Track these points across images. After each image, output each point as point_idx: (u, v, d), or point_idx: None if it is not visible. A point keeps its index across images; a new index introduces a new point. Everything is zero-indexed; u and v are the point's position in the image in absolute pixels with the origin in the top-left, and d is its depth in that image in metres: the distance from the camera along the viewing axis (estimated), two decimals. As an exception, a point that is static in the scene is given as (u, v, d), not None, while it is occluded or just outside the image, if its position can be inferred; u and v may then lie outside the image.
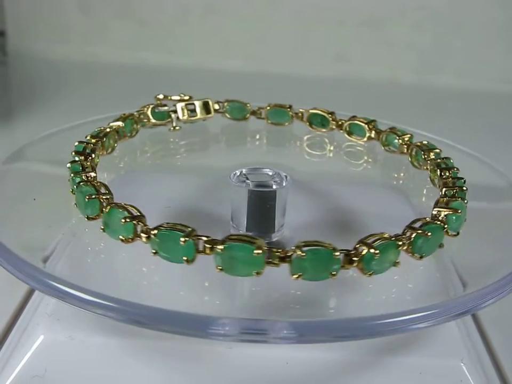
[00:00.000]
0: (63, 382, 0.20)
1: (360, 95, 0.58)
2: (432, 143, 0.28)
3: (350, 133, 0.31)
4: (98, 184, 0.22)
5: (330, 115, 0.31)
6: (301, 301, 0.20)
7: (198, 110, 0.32)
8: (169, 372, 0.20)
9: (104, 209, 0.21)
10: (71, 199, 0.23)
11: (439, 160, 0.26)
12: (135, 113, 0.30)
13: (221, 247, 0.18)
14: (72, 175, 0.23)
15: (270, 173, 0.23)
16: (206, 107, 0.32)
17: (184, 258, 0.18)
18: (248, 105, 0.33)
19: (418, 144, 0.28)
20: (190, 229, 0.19)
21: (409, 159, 0.28)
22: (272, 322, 0.17)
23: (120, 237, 0.20)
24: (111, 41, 0.63)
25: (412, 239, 0.19)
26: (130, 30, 0.62)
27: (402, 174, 0.30)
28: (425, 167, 0.27)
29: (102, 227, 0.20)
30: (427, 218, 0.21)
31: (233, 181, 0.22)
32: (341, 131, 0.31)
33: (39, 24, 0.63)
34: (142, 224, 0.19)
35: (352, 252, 0.18)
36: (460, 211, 0.21)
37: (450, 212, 0.21)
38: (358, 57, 0.62)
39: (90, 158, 0.24)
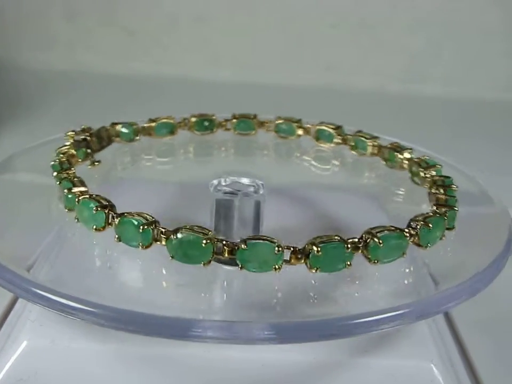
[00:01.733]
0: (47, 387, 0.20)
1: (348, 103, 0.59)
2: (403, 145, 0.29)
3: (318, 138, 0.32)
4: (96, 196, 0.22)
5: (296, 123, 0.32)
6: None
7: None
8: (151, 375, 0.20)
9: (114, 221, 0.21)
10: (55, 207, 0.24)
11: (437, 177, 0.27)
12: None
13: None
14: (66, 191, 0.22)
15: (247, 182, 0.24)
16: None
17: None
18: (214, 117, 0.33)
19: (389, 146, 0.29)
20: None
21: (384, 162, 0.30)
22: (251, 324, 0.17)
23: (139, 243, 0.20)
24: (97, 50, 0.63)
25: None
26: (117, 39, 0.63)
27: (373, 175, 0.31)
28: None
29: (117, 236, 0.20)
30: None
31: (211, 190, 0.23)
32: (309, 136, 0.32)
33: (23, 33, 0.63)
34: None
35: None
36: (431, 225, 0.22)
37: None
38: (347, 67, 0.62)
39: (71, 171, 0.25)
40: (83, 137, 0.26)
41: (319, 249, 0.19)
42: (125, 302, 0.19)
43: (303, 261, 0.19)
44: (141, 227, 0.20)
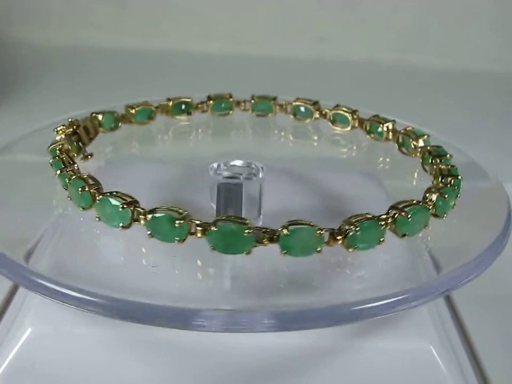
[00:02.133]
0: (51, 373, 0.21)
1: (340, 75, 0.59)
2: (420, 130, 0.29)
3: (333, 122, 0.31)
4: (86, 176, 0.22)
5: (313, 105, 0.31)
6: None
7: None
8: (154, 361, 0.21)
9: (97, 200, 0.21)
10: (54, 190, 0.23)
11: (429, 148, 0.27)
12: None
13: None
14: (58, 172, 0.23)
15: (246, 165, 0.24)
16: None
17: (177, 238, 0.19)
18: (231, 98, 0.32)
19: (403, 131, 0.29)
20: (185, 213, 0.19)
21: (397, 146, 0.29)
22: (254, 313, 0.18)
23: (120, 224, 0.20)
24: (92, 24, 0.62)
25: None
26: (111, 13, 0.62)
27: (387, 160, 0.30)
28: (414, 155, 0.28)
29: (98, 216, 0.21)
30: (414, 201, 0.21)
31: (211, 173, 0.23)
32: (325, 120, 0.31)
33: (18, 8, 0.62)
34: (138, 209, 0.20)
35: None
36: (446, 196, 0.22)
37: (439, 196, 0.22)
38: (337, 38, 0.62)
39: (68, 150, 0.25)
40: (72, 130, 0.26)
41: (357, 228, 0.19)
42: (126, 290, 0.19)
43: (340, 242, 0.19)
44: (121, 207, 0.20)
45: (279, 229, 0.19)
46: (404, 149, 0.29)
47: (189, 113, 0.31)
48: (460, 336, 0.24)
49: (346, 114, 0.31)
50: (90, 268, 0.21)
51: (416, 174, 0.28)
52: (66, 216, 0.24)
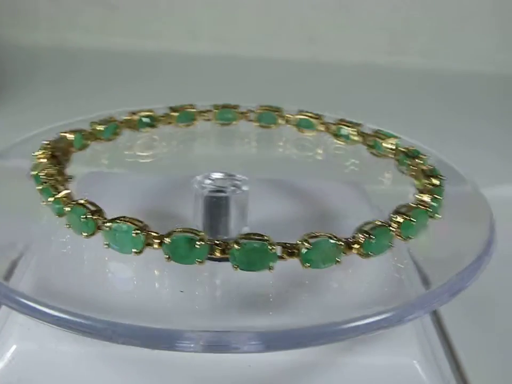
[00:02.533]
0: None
1: (332, 77, 0.59)
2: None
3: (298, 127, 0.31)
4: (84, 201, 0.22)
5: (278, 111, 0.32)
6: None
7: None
8: (139, 378, 0.20)
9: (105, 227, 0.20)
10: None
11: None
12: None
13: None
14: (51, 199, 0.22)
15: (230, 177, 0.24)
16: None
17: (198, 260, 0.19)
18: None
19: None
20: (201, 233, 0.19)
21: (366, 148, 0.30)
22: (238, 334, 0.18)
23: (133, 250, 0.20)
24: (80, 26, 0.62)
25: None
26: (99, 14, 0.62)
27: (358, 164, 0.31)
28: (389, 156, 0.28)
29: (107, 243, 0.20)
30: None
31: (195, 186, 0.23)
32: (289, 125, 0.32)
33: (6, 9, 0.62)
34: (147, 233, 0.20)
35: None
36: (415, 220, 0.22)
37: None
38: (329, 40, 0.62)
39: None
40: (51, 153, 0.25)
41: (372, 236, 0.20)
42: (108, 309, 0.19)
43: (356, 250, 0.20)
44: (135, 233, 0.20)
45: (299, 243, 0.19)
46: (374, 151, 0.29)
47: (153, 126, 0.31)
48: (445, 350, 0.24)
49: (313, 120, 0.31)
50: (74, 286, 0.21)
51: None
52: (50, 229, 0.24)
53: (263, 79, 0.56)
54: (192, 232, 0.19)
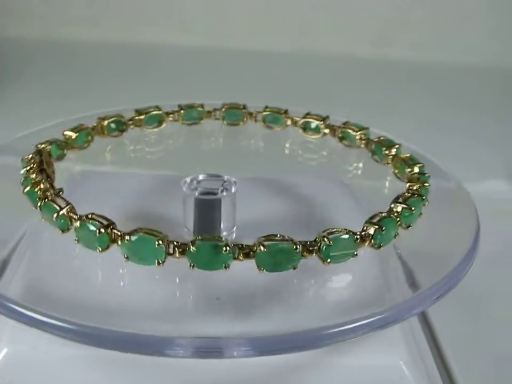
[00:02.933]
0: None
1: (320, 69, 0.59)
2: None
3: (304, 129, 0.31)
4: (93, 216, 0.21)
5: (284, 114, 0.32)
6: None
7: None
8: (131, 380, 0.21)
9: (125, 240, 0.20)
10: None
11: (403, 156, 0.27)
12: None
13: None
14: (55, 215, 0.22)
15: (219, 179, 0.24)
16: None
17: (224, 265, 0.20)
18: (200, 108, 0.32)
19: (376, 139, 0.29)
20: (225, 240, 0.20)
21: (370, 154, 0.29)
22: (227, 339, 0.18)
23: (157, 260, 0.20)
24: (72, 18, 0.62)
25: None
26: (91, 8, 0.61)
27: (355, 166, 0.31)
28: (386, 162, 0.28)
29: (127, 256, 0.20)
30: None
31: (184, 188, 0.23)
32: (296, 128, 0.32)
33: None
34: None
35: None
36: (413, 208, 0.23)
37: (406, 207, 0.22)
38: (318, 31, 0.62)
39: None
40: (39, 167, 0.24)
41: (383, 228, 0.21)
42: (100, 315, 0.19)
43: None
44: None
45: (318, 240, 0.20)
46: (376, 157, 0.29)
47: (122, 130, 0.30)
48: (432, 350, 0.24)
49: (317, 122, 0.31)
50: (64, 291, 0.21)
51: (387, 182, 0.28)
52: (40, 229, 0.24)
53: (251, 71, 0.56)
54: (216, 239, 0.19)
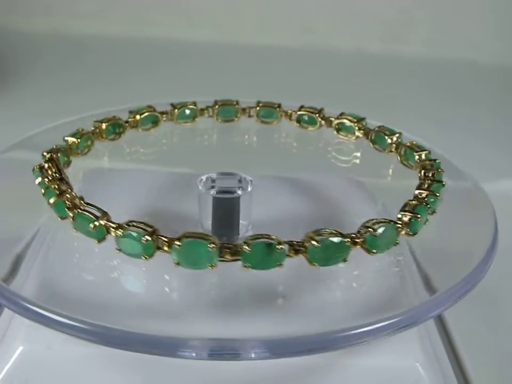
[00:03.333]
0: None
1: (327, 65, 0.58)
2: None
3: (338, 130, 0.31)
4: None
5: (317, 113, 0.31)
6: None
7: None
8: (146, 378, 0.21)
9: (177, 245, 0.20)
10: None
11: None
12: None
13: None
14: (91, 225, 0.21)
15: (235, 179, 0.24)
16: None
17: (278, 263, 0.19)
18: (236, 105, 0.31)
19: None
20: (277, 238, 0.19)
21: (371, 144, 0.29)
22: (243, 341, 0.18)
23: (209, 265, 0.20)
24: (79, 13, 0.62)
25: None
26: (98, 1, 0.61)
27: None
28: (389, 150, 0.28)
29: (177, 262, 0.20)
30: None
31: (200, 187, 0.23)
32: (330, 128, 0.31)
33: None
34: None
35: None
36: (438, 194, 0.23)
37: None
38: (324, 28, 0.61)
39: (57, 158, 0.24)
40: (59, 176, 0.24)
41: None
42: (112, 315, 0.19)
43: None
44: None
45: (363, 231, 0.20)
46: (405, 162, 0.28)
47: (119, 133, 0.29)
48: (447, 352, 0.24)
49: (352, 124, 0.30)
50: (78, 289, 0.21)
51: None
52: (54, 226, 0.24)
53: (257, 67, 0.56)
54: (268, 238, 0.19)
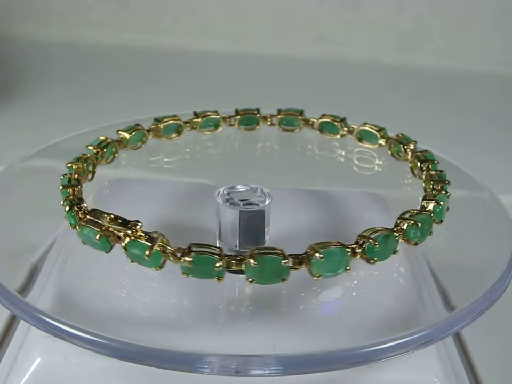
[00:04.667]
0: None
1: (340, 75, 0.58)
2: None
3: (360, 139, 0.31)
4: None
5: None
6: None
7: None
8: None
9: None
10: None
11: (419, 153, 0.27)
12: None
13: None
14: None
15: (254, 191, 0.24)
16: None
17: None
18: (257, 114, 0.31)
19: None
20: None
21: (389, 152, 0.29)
22: (258, 358, 0.18)
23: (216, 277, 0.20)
24: (93, 21, 0.62)
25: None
26: (112, 10, 0.61)
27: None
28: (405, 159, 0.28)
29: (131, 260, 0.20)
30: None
31: (219, 200, 0.23)
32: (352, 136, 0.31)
33: (20, 4, 0.62)
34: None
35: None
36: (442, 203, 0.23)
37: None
38: (338, 38, 0.61)
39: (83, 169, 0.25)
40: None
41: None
42: (131, 330, 0.19)
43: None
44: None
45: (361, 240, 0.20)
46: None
47: (143, 142, 0.29)
48: (465, 366, 0.24)
49: (374, 131, 0.30)
50: (94, 301, 0.21)
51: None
52: (71, 236, 0.24)
53: (272, 77, 0.56)
54: (279, 253, 0.19)
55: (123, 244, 0.20)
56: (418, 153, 0.27)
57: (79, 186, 0.23)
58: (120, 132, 0.28)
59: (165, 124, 0.30)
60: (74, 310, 0.21)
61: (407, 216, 0.22)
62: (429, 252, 0.24)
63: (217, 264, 0.19)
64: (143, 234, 0.20)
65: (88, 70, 0.57)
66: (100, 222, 0.21)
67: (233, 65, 0.58)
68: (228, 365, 0.18)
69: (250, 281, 0.19)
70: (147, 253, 0.19)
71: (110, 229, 0.20)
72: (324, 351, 0.18)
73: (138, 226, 0.20)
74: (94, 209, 0.21)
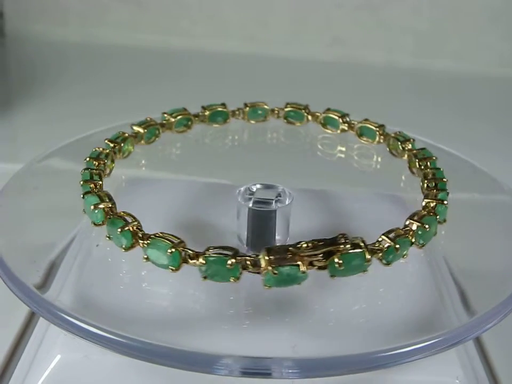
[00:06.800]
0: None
1: (356, 78, 0.58)
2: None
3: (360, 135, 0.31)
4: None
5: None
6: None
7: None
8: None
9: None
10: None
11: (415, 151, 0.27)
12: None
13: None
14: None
15: (275, 191, 0.24)
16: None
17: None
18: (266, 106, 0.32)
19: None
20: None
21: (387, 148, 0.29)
22: (276, 360, 0.18)
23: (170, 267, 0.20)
24: (110, 22, 0.62)
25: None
26: (129, 11, 0.62)
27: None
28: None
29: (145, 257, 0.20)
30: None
31: (239, 198, 0.23)
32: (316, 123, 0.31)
33: (37, 4, 0.62)
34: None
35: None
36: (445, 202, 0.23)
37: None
38: (355, 41, 0.61)
39: (103, 164, 0.25)
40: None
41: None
42: (148, 329, 0.19)
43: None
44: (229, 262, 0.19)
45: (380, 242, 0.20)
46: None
47: (156, 136, 0.30)
48: (485, 369, 0.24)
49: (373, 127, 0.30)
50: (113, 300, 0.21)
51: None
52: (90, 233, 0.24)
53: (288, 79, 0.56)
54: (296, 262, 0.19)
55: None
56: (415, 151, 0.27)
57: (100, 182, 0.23)
58: (134, 127, 0.29)
59: (176, 118, 0.30)
60: (93, 308, 0.21)
61: (415, 218, 0.22)
62: (449, 256, 0.24)
63: (229, 262, 0.19)
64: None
65: (105, 70, 0.57)
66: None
67: (250, 67, 0.58)
68: (241, 366, 0.18)
69: (268, 287, 0.19)
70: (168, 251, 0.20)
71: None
72: (343, 355, 0.18)
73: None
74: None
